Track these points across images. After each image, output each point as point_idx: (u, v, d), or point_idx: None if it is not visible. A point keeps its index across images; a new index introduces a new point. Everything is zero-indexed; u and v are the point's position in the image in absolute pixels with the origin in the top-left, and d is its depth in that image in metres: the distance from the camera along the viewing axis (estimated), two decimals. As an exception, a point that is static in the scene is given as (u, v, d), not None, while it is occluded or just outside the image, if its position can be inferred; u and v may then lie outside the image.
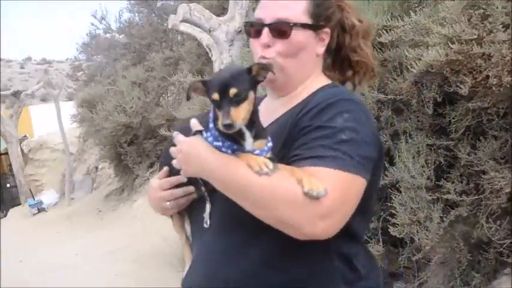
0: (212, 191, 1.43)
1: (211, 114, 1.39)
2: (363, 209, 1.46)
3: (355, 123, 1.41)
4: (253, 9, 6.16)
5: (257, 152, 1.37)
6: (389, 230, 3.37)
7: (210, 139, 1.37)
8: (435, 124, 3.45)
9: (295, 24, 1.52)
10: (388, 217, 3.45)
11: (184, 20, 7.78)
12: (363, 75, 1.69)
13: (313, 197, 1.27)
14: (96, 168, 11.53)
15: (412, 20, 3.03)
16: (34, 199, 14.87)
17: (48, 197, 14.31)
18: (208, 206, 1.52)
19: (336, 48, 1.63)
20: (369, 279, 1.52)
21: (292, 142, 1.42)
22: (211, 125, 1.38)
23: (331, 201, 1.30)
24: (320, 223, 1.30)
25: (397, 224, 3.32)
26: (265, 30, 1.53)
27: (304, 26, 1.53)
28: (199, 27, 7.77)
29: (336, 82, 1.61)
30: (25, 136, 17.94)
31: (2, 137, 16.31)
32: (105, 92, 8.69)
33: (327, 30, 1.57)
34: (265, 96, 1.68)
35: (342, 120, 1.40)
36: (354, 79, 1.70)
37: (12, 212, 15.93)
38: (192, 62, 8.75)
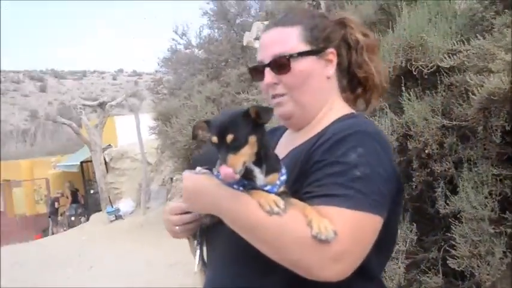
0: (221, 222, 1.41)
1: None
2: (380, 246, 1.41)
3: (370, 157, 1.35)
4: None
5: (268, 187, 1.34)
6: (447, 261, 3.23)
7: (220, 176, 1.35)
8: (502, 153, 3.28)
9: (292, 56, 1.49)
10: (448, 248, 3.31)
11: (258, 38, 7.89)
12: (371, 92, 1.64)
13: (321, 241, 1.23)
14: (171, 179, 11.83)
15: (477, 45, 2.90)
16: (112, 206, 15.46)
17: (125, 205, 14.82)
18: (198, 251, 1.53)
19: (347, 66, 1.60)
20: None
21: (305, 177, 1.38)
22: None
23: (342, 244, 1.25)
24: (332, 266, 1.25)
25: (457, 256, 3.17)
26: (267, 70, 1.52)
27: (302, 54, 1.50)
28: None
29: (355, 112, 1.55)
30: (109, 145, 18.73)
31: (87, 145, 17.12)
32: (180, 106, 8.92)
33: (331, 50, 1.54)
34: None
35: (355, 155, 1.34)
36: (365, 96, 1.65)
37: (94, 217, 16.63)
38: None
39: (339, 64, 1.56)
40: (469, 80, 2.82)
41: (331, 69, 1.54)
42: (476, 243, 3.12)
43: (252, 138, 1.32)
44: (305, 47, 1.50)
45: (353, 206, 1.29)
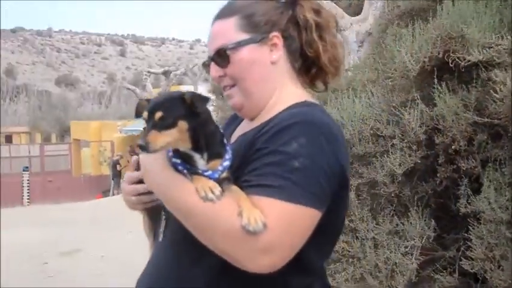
0: None
1: None
2: (319, 241, 1.40)
3: (312, 148, 1.33)
4: (389, 11, 5.96)
5: (209, 173, 1.35)
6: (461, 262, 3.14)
7: (170, 154, 1.38)
8: (533, 156, 3.13)
9: (228, 48, 1.48)
10: (464, 249, 3.21)
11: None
12: (324, 72, 1.59)
13: (250, 232, 1.23)
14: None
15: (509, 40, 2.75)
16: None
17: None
18: (163, 222, 1.53)
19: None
20: None
21: (246, 164, 1.37)
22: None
23: (272, 236, 1.25)
24: (262, 258, 1.25)
25: (471, 258, 3.07)
26: (212, 64, 1.53)
27: (239, 43, 1.48)
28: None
29: (309, 100, 1.51)
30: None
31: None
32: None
33: (275, 34, 1.50)
34: None
35: (297, 145, 1.32)
36: (322, 77, 1.61)
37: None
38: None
39: (288, 46, 1.53)
40: (493, 77, 2.69)
41: (276, 54, 1.51)
42: (492, 246, 3.01)
43: (182, 124, 1.33)
44: (242, 36, 1.48)
45: (287, 197, 1.28)
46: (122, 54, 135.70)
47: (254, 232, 1.23)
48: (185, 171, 1.35)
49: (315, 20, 1.54)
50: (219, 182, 1.35)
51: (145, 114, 1.34)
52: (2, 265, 6.29)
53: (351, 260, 3.67)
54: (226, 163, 1.38)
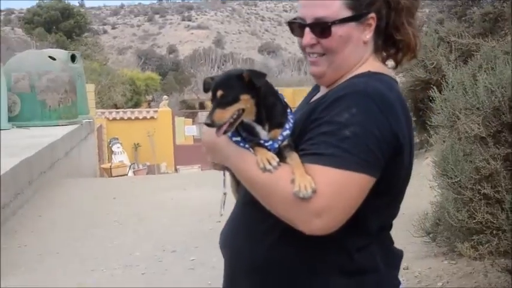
0: None
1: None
2: (377, 205, 1.49)
3: (363, 117, 1.41)
4: None
5: (270, 143, 1.49)
6: None
7: (230, 134, 1.53)
8: None
9: (334, 22, 1.52)
10: None
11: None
12: (403, 55, 1.64)
13: (300, 198, 1.36)
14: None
15: None
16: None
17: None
18: (223, 196, 1.72)
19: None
20: (371, 274, 1.53)
21: (305, 133, 1.49)
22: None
23: (323, 200, 1.36)
24: (315, 221, 1.37)
25: None
26: (307, 31, 1.57)
27: (343, 20, 1.52)
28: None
29: (372, 71, 1.56)
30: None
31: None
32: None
33: (372, 15, 1.54)
34: None
35: (348, 115, 1.41)
36: (397, 57, 1.65)
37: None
38: (514, 20, 8.02)
39: (378, 26, 1.58)
40: None
41: (369, 34, 1.56)
42: None
43: (244, 97, 1.47)
44: (347, 13, 1.52)
45: (337, 164, 1.38)
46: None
47: (304, 198, 1.36)
48: (246, 146, 1.51)
49: (406, 4, 1.58)
50: (281, 149, 1.49)
51: (210, 93, 1.50)
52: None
53: (495, 231, 3.53)
54: (286, 132, 1.51)
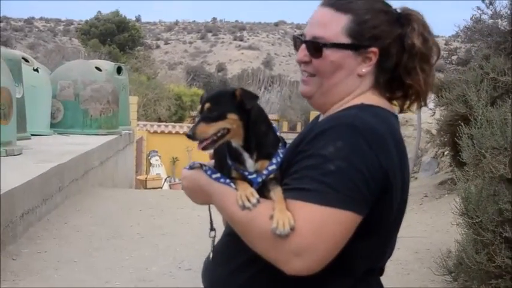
0: None
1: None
2: (365, 245, 1.40)
3: (349, 152, 1.32)
4: None
5: (254, 176, 1.43)
6: None
7: (209, 172, 1.49)
8: None
9: (326, 45, 1.46)
10: None
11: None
12: (411, 101, 1.54)
13: (277, 235, 1.28)
14: (443, 153, 11.41)
15: None
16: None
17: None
18: (213, 233, 1.67)
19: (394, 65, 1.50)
20: None
21: (291, 165, 1.41)
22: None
23: (302, 239, 1.28)
24: (295, 260, 1.29)
25: None
26: (302, 47, 1.53)
27: (337, 45, 1.46)
28: None
29: (366, 103, 1.47)
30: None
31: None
32: (455, 79, 8.48)
33: (373, 49, 1.46)
34: None
35: (333, 149, 1.33)
36: (404, 102, 1.56)
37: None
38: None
39: (382, 62, 1.49)
40: None
41: (366, 68, 1.49)
42: None
43: (232, 116, 1.41)
44: (344, 40, 1.47)
45: (320, 200, 1.29)
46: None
47: (281, 235, 1.27)
48: (227, 181, 1.45)
49: (421, 50, 1.49)
50: (266, 182, 1.43)
51: (199, 106, 1.46)
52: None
53: (514, 278, 3.35)
54: (272, 167, 1.44)
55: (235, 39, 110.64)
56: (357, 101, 1.48)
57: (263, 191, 1.42)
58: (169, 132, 23.72)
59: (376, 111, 1.46)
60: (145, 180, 17.45)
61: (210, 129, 1.40)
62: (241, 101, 1.41)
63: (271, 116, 47.21)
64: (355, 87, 1.51)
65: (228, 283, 1.51)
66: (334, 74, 1.49)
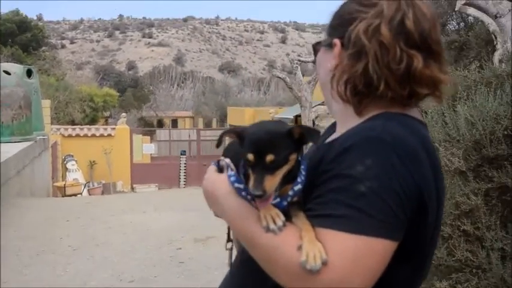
0: None
1: None
2: (400, 273, 1.25)
3: (381, 169, 1.15)
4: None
5: (277, 200, 1.23)
6: None
7: (233, 179, 1.29)
8: None
9: (314, 45, 1.49)
10: None
11: (469, 4, 7.24)
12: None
13: (307, 271, 1.11)
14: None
15: None
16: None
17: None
18: (229, 244, 1.51)
19: None
20: None
21: (313, 186, 1.24)
22: (242, 163, 1.29)
23: (335, 274, 1.11)
24: None
25: None
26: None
27: (317, 44, 1.48)
28: (485, 11, 7.15)
29: (389, 111, 1.31)
30: (323, 103, 19.06)
31: (298, 101, 17.67)
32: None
33: (335, 40, 1.36)
34: None
35: (362, 167, 1.16)
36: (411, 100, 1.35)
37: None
38: (478, 49, 8.14)
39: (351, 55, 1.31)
40: None
41: (332, 62, 1.35)
42: None
43: (293, 156, 1.23)
44: (325, 37, 1.44)
45: (351, 228, 1.13)
46: (283, 41, 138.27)
47: (312, 271, 1.11)
48: (249, 196, 1.26)
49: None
50: (289, 206, 1.25)
51: (250, 156, 1.21)
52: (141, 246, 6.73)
53: (474, 270, 3.38)
54: (298, 187, 1.25)
55: (144, 37, 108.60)
56: (375, 111, 1.32)
57: (285, 216, 1.22)
58: (85, 136, 22.82)
59: (404, 119, 1.30)
60: (64, 187, 16.66)
61: (277, 179, 1.21)
62: (302, 139, 1.23)
63: (185, 113, 46.94)
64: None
65: None
66: (319, 73, 1.49)
